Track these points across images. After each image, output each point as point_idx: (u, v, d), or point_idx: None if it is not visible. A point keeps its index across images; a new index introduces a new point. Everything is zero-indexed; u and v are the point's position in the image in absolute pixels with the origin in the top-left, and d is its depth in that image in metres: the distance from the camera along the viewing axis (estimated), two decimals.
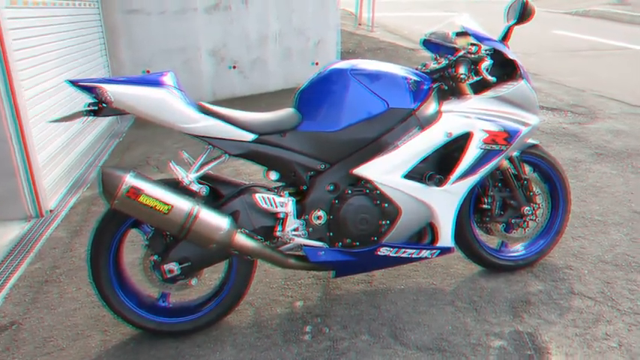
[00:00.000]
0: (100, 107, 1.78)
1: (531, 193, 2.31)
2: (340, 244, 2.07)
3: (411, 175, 2.03)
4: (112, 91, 1.73)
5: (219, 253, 1.94)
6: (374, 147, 2.01)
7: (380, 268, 2.21)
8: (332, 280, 2.44)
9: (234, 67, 6.28)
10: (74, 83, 1.74)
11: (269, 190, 2.04)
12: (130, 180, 1.75)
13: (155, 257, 1.94)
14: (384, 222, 2.07)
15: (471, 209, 2.29)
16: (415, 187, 2.04)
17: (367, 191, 2.05)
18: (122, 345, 2.06)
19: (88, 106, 1.80)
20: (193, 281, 1.99)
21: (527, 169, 2.36)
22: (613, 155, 3.80)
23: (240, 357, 1.99)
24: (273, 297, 2.34)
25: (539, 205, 2.36)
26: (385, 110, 2.00)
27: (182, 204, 1.80)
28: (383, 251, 2.08)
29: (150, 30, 5.70)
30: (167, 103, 1.79)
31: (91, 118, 1.85)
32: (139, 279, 2.18)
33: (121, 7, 5.52)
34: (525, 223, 2.35)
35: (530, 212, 2.31)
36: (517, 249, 2.46)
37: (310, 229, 2.05)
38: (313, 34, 6.69)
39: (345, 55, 7.44)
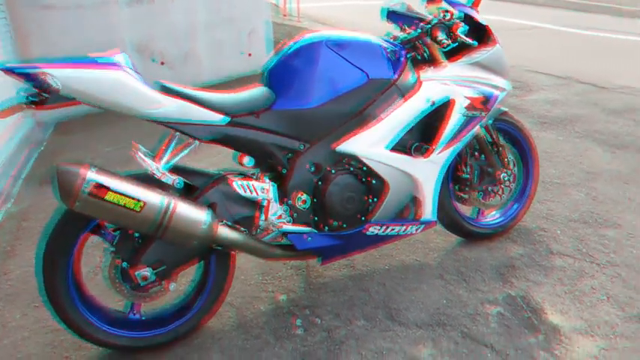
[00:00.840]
0: (42, 97, 1.51)
1: (506, 160, 2.31)
2: (327, 227, 1.94)
3: (395, 148, 1.94)
4: (58, 75, 1.47)
5: (197, 251, 1.73)
6: (356, 121, 1.89)
7: (367, 248, 2.10)
8: (313, 269, 2.30)
9: (162, 63, 5.90)
10: (9, 71, 1.45)
11: (245, 176, 1.86)
12: (91, 176, 1.50)
13: (123, 264, 1.70)
14: (371, 199, 1.97)
15: (449, 179, 2.25)
16: (401, 160, 1.95)
17: (352, 168, 1.93)
18: None
19: (27, 97, 1.52)
20: (171, 286, 1.76)
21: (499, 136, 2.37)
22: (556, 123, 3.97)
23: None
24: (252, 294, 2.16)
25: (512, 170, 2.38)
26: (366, 82, 1.88)
27: (155, 199, 1.58)
28: (371, 230, 1.98)
29: (65, 26, 5.17)
30: (125, 84, 1.55)
31: (31, 110, 1.57)
32: (100, 292, 1.92)
33: (29, 2, 4.97)
34: (501, 189, 2.35)
35: (506, 178, 2.32)
36: (493, 216, 2.47)
37: (294, 214, 1.89)
38: (244, 25, 6.45)
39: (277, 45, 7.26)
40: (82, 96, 1.52)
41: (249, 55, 6.48)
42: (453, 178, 2.27)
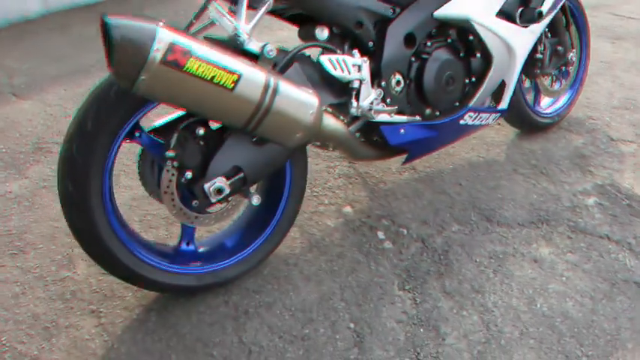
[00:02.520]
0: None
1: (574, 40, 2.06)
2: (420, 116, 1.57)
3: (500, 14, 1.58)
4: None
5: (283, 153, 1.28)
6: None
7: (452, 142, 1.76)
8: (366, 176, 1.93)
9: None
10: None
11: (333, 51, 1.39)
12: (167, 36, 0.96)
13: (186, 175, 1.21)
14: (469, 81, 1.61)
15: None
16: (508, 28, 1.59)
17: (451, 40, 1.55)
18: (141, 321, 1.33)
19: None
20: (253, 199, 1.30)
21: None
22: None
23: (325, 290, 1.44)
24: (310, 209, 1.76)
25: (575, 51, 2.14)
26: None
27: (254, 72, 1.08)
28: (466, 119, 1.64)
29: None
30: None
31: None
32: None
33: None
34: (568, 72, 2.12)
35: (574, 60, 2.08)
36: (549, 105, 2.25)
37: (388, 99, 1.48)
38: None
39: None
40: None
41: None
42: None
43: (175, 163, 1.18)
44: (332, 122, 1.28)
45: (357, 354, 1.26)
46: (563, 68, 2.08)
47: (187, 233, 1.36)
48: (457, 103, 1.62)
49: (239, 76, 1.04)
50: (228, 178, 1.21)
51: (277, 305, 1.39)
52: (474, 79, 1.60)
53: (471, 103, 1.62)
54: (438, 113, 1.59)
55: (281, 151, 1.25)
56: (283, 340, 1.29)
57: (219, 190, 1.19)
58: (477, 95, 1.62)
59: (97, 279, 1.47)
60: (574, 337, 1.27)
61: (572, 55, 2.05)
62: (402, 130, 1.51)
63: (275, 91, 1.09)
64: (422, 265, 1.52)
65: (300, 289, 1.44)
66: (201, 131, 1.19)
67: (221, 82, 1.01)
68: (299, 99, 1.14)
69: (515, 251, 1.56)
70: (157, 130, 1.23)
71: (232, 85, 1.03)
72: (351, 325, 1.34)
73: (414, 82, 1.51)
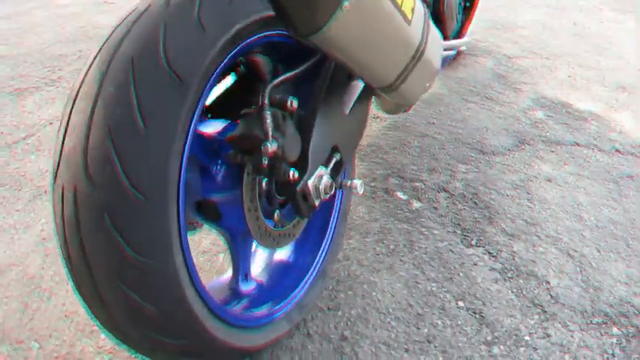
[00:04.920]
0: None
1: None
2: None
3: None
4: None
5: (366, 121, 0.93)
6: None
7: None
8: None
9: None
10: None
11: None
12: None
13: (285, 175, 0.77)
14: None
15: None
16: None
17: None
18: None
19: None
20: (359, 187, 0.91)
21: None
22: None
23: (404, 275, 1.17)
24: None
25: None
26: None
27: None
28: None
29: None
30: None
31: None
32: None
33: None
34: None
35: None
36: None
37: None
38: None
39: None
40: None
41: None
42: None
43: (264, 159, 0.73)
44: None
45: (490, 334, 1.07)
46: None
47: (244, 264, 0.92)
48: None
49: (415, 3, 0.68)
50: (326, 166, 0.83)
51: (372, 315, 1.08)
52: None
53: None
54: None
55: (365, 119, 0.92)
56: (412, 352, 1.02)
57: (331, 184, 0.81)
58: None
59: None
60: (635, 239, 1.34)
61: None
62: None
63: (429, 26, 0.75)
64: (464, 214, 1.38)
65: (377, 284, 1.15)
66: (294, 103, 0.76)
67: (403, 9, 0.64)
68: (437, 35, 0.82)
69: (527, 176, 1.55)
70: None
71: (410, 14, 0.67)
72: (461, 304, 1.13)
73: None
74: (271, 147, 0.69)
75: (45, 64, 2.14)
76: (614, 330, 1.08)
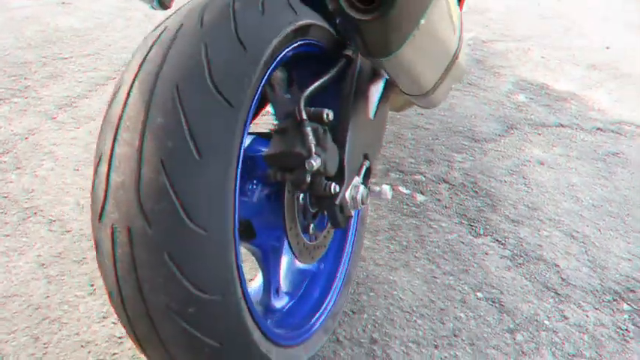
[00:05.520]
0: None
1: None
2: None
3: None
4: None
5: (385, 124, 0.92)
6: None
7: None
8: None
9: None
10: None
11: None
12: None
13: (330, 189, 0.74)
14: None
15: None
16: None
17: None
18: None
19: None
20: (388, 192, 0.89)
21: None
22: None
23: (421, 271, 1.17)
24: None
25: None
26: None
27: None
28: None
29: None
30: None
31: None
32: None
33: None
34: None
35: None
36: None
37: None
38: None
39: None
40: None
41: None
42: None
43: (308, 176, 0.71)
44: None
45: (511, 321, 1.09)
46: None
47: (275, 279, 0.90)
48: None
49: (457, 8, 0.67)
50: (358, 174, 0.82)
51: (397, 314, 1.08)
52: None
53: None
54: None
55: (385, 121, 0.91)
56: (441, 347, 1.03)
57: (367, 193, 0.80)
58: None
59: None
60: (629, 215, 1.40)
61: None
62: None
63: (462, 29, 0.74)
64: (467, 204, 1.41)
65: (397, 283, 1.16)
66: (330, 115, 0.73)
67: (454, 19, 0.63)
68: (464, 36, 0.81)
69: (520, 161, 1.59)
70: None
71: (457, 22, 0.66)
72: (479, 295, 1.15)
73: None
74: (316, 164, 0.67)
75: (9, 73, 2.00)
76: (625, 306, 1.13)
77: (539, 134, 1.72)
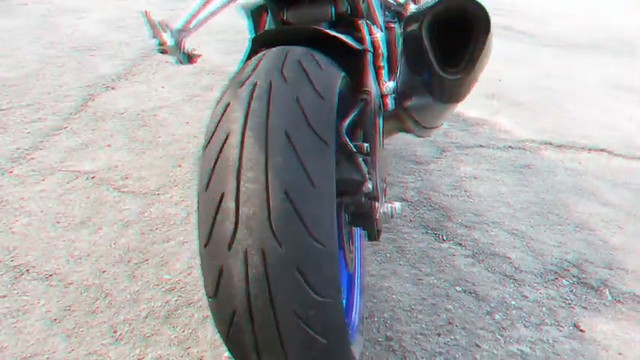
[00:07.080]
0: None
1: None
2: None
3: None
4: None
5: None
6: None
7: None
8: None
9: None
10: None
11: None
12: None
13: (372, 205, 0.92)
14: None
15: None
16: None
17: None
18: None
19: None
20: (399, 207, 1.07)
21: None
22: None
23: (410, 274, 1.38)
24: None
25: None
26: None
27: None
28: None
29: None
30: None
31: None
32: None
33: None
34: None
35: None
36: None
37: None
38: None
39: None
40: None
41: None
42: None
43: (361, 197, 0.87)
44: None
45: (488, 306, 1.33)
46: None
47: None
48: None
49: None
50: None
51: (400, 313, 1.26)
52: None
53: None
54: None
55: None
56: (443, 334, 1.22)
57: (395, 208, 0.98)
58: None
59: None
60: (550, 212, 1.74)
61: None
62: None
63: None
64: (427, 217, 1.65)
65: (392, 288, 1.34)
66: (367, 147, 0.91)
67: None
68: None
69: (459, 177, 1.89)
70: None
71: None
72: (458, 289, 1.37)
73: None
74: (371, 187, 0.84)
75: None
76: (564, 281, 1.44)
77: (467, 154, 2.05)
